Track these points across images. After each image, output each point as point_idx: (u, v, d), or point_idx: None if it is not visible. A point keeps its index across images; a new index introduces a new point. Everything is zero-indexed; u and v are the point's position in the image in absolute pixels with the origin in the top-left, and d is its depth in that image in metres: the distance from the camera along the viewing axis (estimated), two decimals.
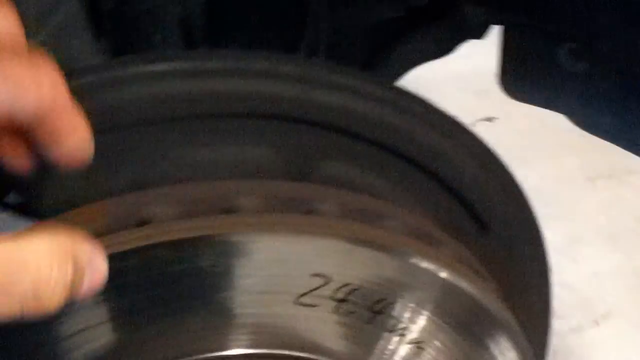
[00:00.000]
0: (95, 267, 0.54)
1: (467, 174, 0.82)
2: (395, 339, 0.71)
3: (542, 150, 2.19)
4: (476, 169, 0.83)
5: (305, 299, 0.67)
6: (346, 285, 0.67)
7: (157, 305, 0.64)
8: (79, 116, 0.56)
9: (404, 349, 0.72)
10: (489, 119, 2.19)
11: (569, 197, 2.15)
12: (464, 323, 0.72)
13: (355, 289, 0.67)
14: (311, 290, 0.66)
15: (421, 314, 0.71)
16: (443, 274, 0.69)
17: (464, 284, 0.70)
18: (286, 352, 0.69)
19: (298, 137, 0.76)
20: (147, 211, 0.65)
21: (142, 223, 0.63)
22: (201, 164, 0.74)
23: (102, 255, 0.55)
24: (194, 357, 0.67)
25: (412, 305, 0.70)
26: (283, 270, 0.65)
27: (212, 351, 0.67)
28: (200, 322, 0.66)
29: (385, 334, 0.71)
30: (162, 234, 0.61)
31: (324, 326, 0.69)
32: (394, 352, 0.72)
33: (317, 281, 0.66)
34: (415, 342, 0.72)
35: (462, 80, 2.30)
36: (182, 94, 0.72)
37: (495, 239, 0.86)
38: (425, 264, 0.68)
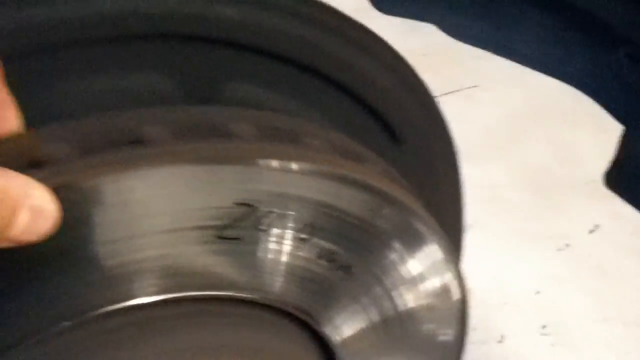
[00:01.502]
0: (37, 206, 0.51)
1: (379, 86, 0.78)
2: (324, 264, 0.67)
3: None
4: (388, 81, 0.79)
5: (228, 232, 0.61)
6: (271, 212, 0.62)
7: (53, 257, 0.56)
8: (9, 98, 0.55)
9: (336, 275, 0.69)
10: None
11: None
12: (391, 230, 0.69)
13: (281, 215, 0.63)
14: (235, 221, 0.61)
15: (347, 235, 0.67)
16: (369, 183, 0.65)
17: (391, 193, 0.67)
18: (202, 293, 0.64)
19: (197, 58, 0.68)
20: (43, 150, 0.56)
21: (38, 164, 0.55)
22: (91, 95, 0.65)
23: (48, 196, 0.52)
24: (96, 312, 0.60)
25: (336, 226, 0.66)
26: (196, 203, 0.59)
27: (115, 303, 0.60)
28: (102, 271, 0.59)
29: (315, 261, 0.67)
30: (59, 175, 0.54)
31: (247, 260, 0.64)
32: (324, 278, 0.69)
33: (241, 211, 0.61)
34: (345, 267, 0.69)
35: None
36: (57, 19, 0.62)
37: (409, 151, 0.83)
38: (347, 179, 0.64)
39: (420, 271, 0.74)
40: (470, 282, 1.90)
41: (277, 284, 0.67)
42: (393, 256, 0.71)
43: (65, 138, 0.57)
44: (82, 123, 0.60)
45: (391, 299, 0.74)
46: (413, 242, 0.72)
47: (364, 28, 0.76)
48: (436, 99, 0.86)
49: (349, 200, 0.65)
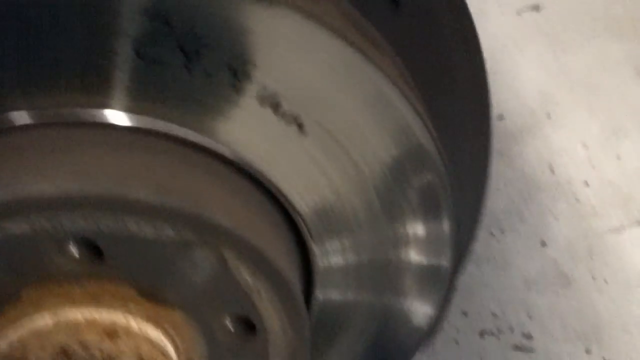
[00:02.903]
0: None
1: None
2: (268, 111, 0.61)
3: (589, 38, 2.06)
4: None
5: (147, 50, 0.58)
6: (191, 32, 0.58)
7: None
8: None
9: (287, 129, 0.63)
10: (535, 8, 2.05)
11: (614, 87, 2.03)
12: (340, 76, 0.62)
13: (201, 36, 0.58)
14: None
15: (291, 76, 0.61)
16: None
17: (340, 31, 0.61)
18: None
19: None
20: None
21: None
22: None
23: None
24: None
25: (276, 63, 0.60)
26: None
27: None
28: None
29: (259, 107, 0.61)
30: None
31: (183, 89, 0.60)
32: (272, 127, 0.63)
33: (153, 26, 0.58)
34: (295, 118, 0.63)
35: None
36: None
37: (410, 16, 0.75)
38: None
39: (386, 135, 0.66)
40: None
41: (216, 128, 0.62)
42: (350, 114, 0.64)
43: None
44: None
45: (354, 164, 0.67)
46: (373, 96, 0.64)
47: None
48: None
49: (284, 34, 0.59)
